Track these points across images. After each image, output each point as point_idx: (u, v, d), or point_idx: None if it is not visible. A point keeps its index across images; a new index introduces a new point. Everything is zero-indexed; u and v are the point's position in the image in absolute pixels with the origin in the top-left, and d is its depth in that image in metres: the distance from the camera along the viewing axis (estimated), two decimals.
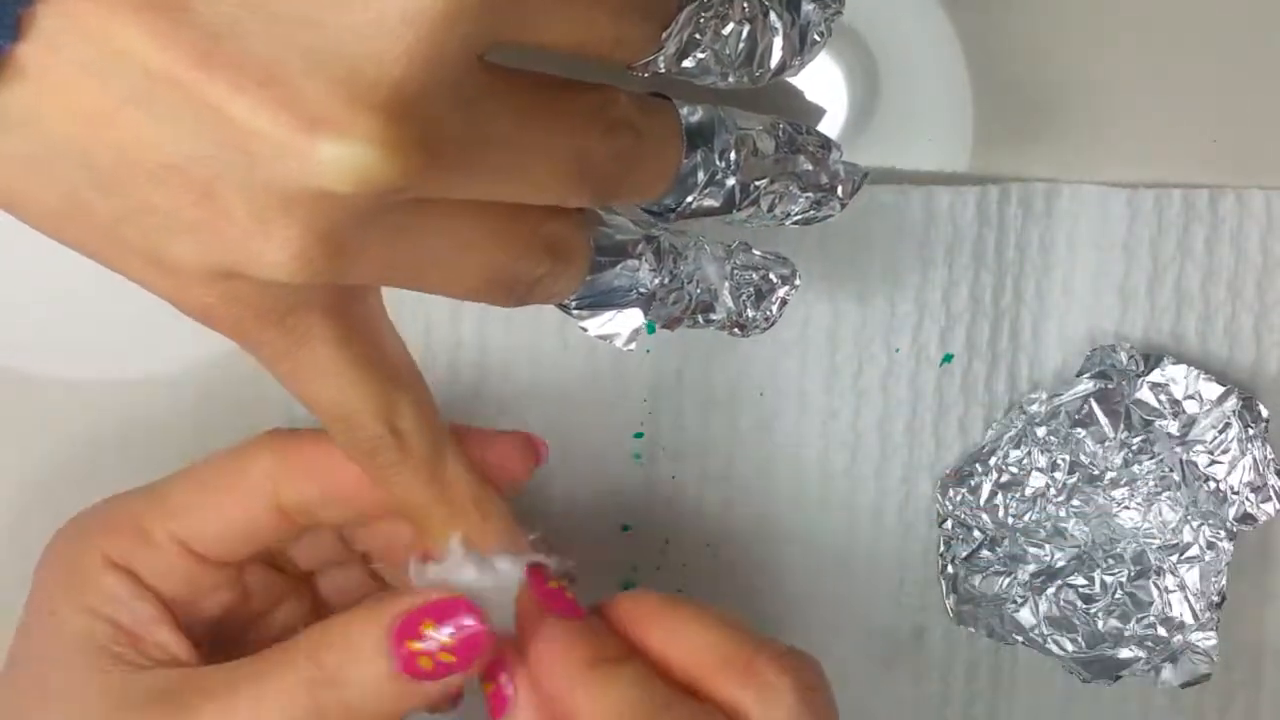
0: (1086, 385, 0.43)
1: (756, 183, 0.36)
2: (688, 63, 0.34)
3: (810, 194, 0.37)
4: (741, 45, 0.34)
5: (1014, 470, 0.44)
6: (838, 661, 0.45)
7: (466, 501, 0.34)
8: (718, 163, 0.35)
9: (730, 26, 0.34)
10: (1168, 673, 0.44)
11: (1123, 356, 0.43)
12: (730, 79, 0.35)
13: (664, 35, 0.33)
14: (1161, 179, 0.44)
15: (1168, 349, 0.44)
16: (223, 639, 0.37)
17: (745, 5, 0.34)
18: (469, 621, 0.33)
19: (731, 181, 0.35)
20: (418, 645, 0.33)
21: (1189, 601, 0.44)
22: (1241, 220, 0.44)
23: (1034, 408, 0.44)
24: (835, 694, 0.45)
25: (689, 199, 0.35)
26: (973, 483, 0.44)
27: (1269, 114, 0.44)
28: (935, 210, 0.44)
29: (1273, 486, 0.43)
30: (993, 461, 0.44)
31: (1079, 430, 0.43)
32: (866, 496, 0.45)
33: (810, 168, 0.37)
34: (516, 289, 0.33)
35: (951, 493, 0.44)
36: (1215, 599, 0.43)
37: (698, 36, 0.33)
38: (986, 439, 0.44)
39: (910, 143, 0.44)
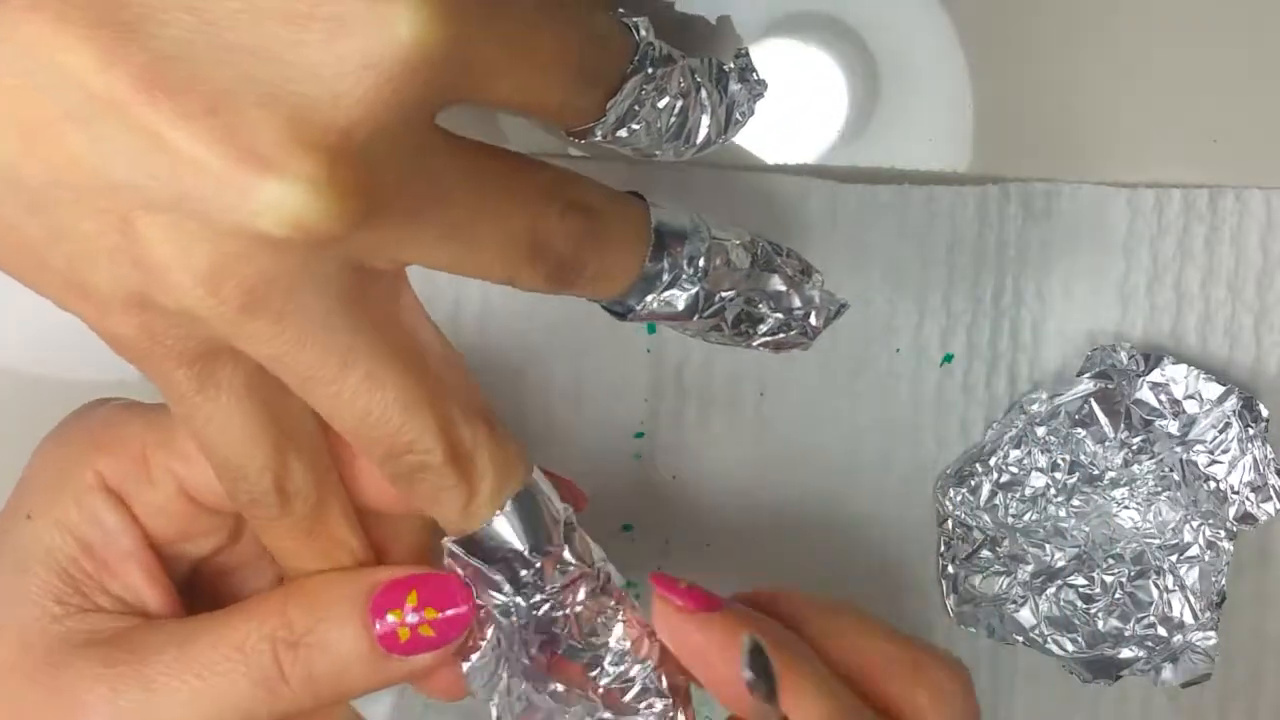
0: (1087, 385, 0.43)
1: (723, 294, 0.35)
2: (622, 132, 0.34)
3: (780, 315, 0.36)
4: (673, 119, 0.35)
5: (1014, 470, 0.44)
6: None
7: (344, 560, 0.34)
8: (685, 268, 0.34)
9: (666, 100, 0.34)
10: (1168, 672, 0.44)
11: (1123, 356, 0.43)
12: (657, 152, 0.35)
13: (608, 104, 0.33)
14: (1161, 179, 0.44)
15: (1167, 349, 0.44)
16: (200, 583, 0.36)
17: (681, 80, 0.35)
18: (457, 599, 0.33)
19: (695, 288, 0.35)
20: (397, 615, 0.32)
21: (1189, 601, 0.44)
22: (1241, 220, 0.44)
23: (1034, 407, 0.44)
24: None
25: (649, 298, 0.34)
26: (973, 483, 0.44)
27: (1269, 114, 0.44)
28: (935, 210, 0.44)
29: (1273, 486, 0.43)
30: (993, 461, 0.44)
31: (1079, 430, 0.43)
32: (867, 496, 0.45)
33: (783, 289, 0.36)
34: (407, 460, 0.31)
35: (951, 493, 0.44)
36: (1215, 599, 0.43)
37: (636, 108, 0.34)
38: (986, 439, 0.44)
39: (910, 143, 0.44)
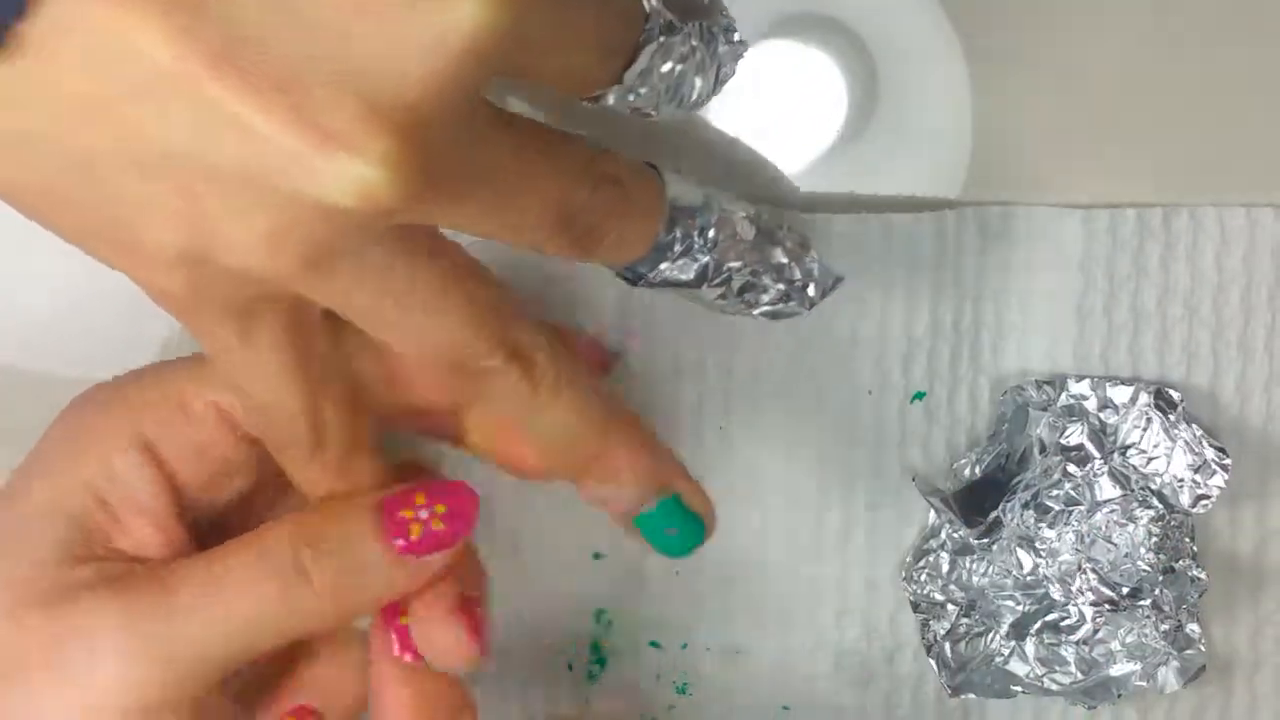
0: (1009, 432, 0.44)
1: (730, 264, 0.37)
2: (630, 96, 0.35)
3: (782, 285, 0.38)
4: (671, 84, 0.36)
5: (962, 537, 0.44)
6: (809, 683, 0.45)
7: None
8: (696, 239, 0.36)
9: (668, 65, 0.35)
10: (1165, 675, 0.43)
11: (1032, 391, 0.43)
12: (652, 112, 0.36)
13: (626, 73, 0.34)
14: (1116, 199, 0.44)
15: (1125, 367, 0.44)
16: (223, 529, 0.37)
17: (682, 46, 0.36)
18: (463, 495, 0.35)
19: (706, 258, 0.36)
20: (409, 512, 0.34)
21: (1169, 603, 0.43)
22: (1196, 237, 0.44)
23: (966, 472, 0.44)
24: (805, 716, 0.45)
25: (662, 266, 0.36)
26: (931, 559, 0.44)
27: (1221, 131, 0.44)
28: (893, 237, 0.44)
29: (1212, 460, 0.43)
30: (943, 535, 0.44)
31: (1017, 478, 0.43)
32: (833, 519, 0.45)
33: (785, 261, 0.38)
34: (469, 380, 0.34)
35: (915, 574, 0.44)
36: (1194, 595, 0.43)
37: (646, 74, 0.35)
38: (930, 520, 0.44)
39: (866, 174, 0.45)
